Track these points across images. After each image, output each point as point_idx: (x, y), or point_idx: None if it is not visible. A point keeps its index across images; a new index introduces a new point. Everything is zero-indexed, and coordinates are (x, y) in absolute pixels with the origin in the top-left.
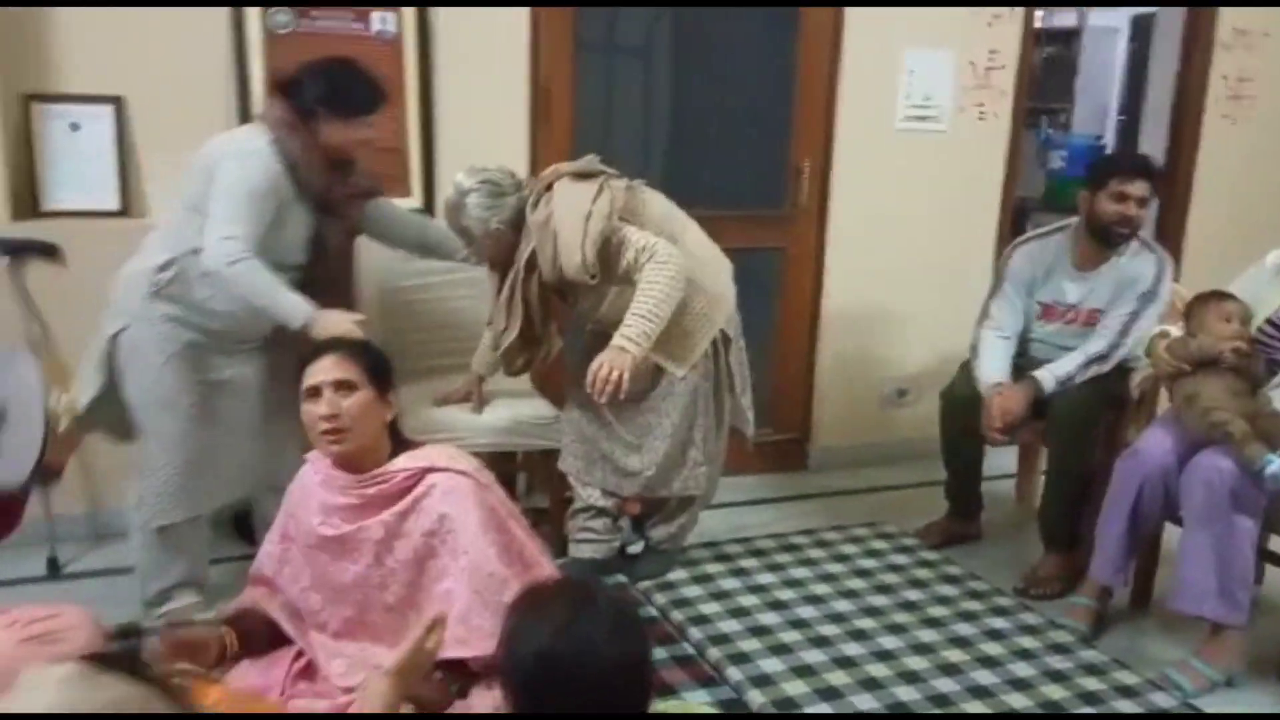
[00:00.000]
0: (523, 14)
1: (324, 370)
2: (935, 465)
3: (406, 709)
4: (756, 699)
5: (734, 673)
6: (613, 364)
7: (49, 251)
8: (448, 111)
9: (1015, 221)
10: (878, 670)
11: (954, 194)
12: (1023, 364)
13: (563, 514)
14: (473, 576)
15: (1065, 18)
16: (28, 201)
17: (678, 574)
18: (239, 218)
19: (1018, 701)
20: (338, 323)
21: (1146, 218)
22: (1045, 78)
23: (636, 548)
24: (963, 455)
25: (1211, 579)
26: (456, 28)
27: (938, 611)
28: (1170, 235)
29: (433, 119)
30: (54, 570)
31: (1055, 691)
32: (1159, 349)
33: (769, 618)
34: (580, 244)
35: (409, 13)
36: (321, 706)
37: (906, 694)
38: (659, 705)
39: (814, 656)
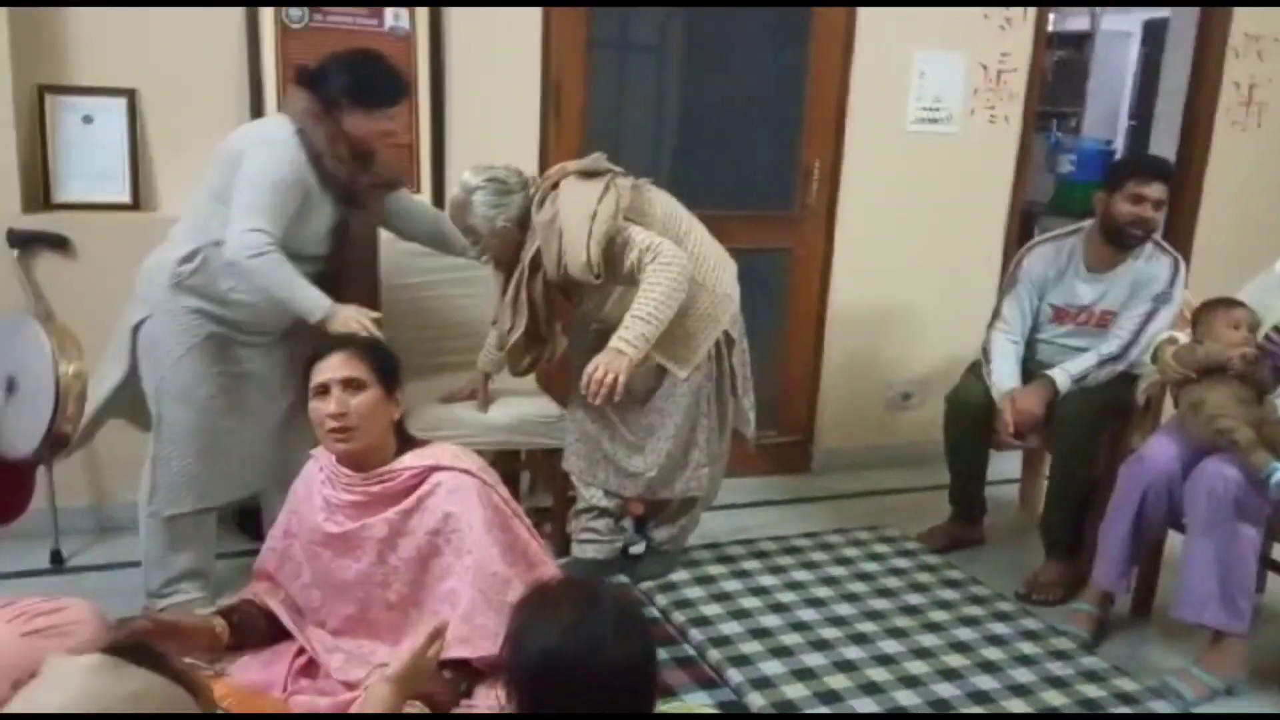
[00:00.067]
0: (535, 12)
1: (332, 368)
2: (939, 469)
3: (414, 708)
4: (757, 701)
5: (734, 675)
6: (608, 366)
7: (59, 243)
8: (459, 108)
9: (1023, 225)
10: (878, 674)
11: (963, 197)
12: (1030, 366)
13: (566, 513)
14: (477, 576)
15: (1078, 21)
16: (39, 193)
17: (679, 575)
18: (263, 209)
19: (1017, 707)
20: (354, 318)
21: (1161, 221)
22: (1056, 81)
23: (639, 548)
24: (967, 459)
25: (1214, 587)
26: (469, 25)
27: (939, 616)
28: (1179, 241)
29: (444, 115)
30: (57, 563)
31: (1055, 698)
32: (1166, 355)
33: (770, 620)
34: (585, 243)
35: (422, 11)
36: (323, 704)
37: (907, 698)
38: (660, 706)
39: (815, 660)
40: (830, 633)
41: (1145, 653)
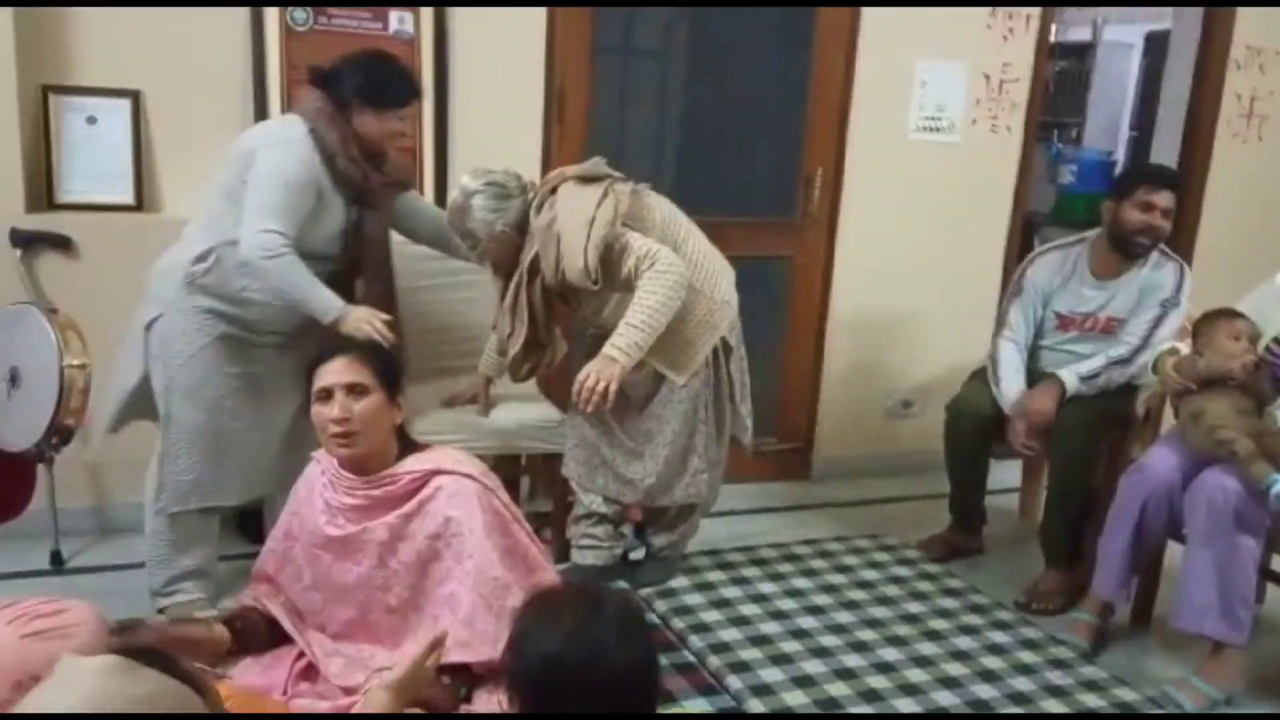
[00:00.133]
0: (539, 16)
1: (335, 372)
2: (939, 478)
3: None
4: (756, 708)
5: (734, 681)
6: (599, 374)
7: (62, 244)
8: (462, 112)
9: (1024, 235)
10: (878, 682)
11: (964, 206)
12: (1033, 371)
13: (565, 518)
14: (477, 580)
15: (1079, 32)
16: (42, 193)
17: (679, 581)
18: (276, 209)
19: None
20: (366, 319)
21: (1169, 229)
22: (1058, 92)
23: (638, 554)
24: (968, 468)
25: (1213, 597)
26: (473, 29)
27: (938, 625)
28: (1179, 252)
29: (447, 119)
30: (57, 564)
31: (1054, 707)
32: (1166, 366)
33: (770, 627)
34: (583, 248)
35: (426, 14)
36: (323, 707)
37: (906, 706)
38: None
39: (814, 667)
40: (830, 640)
41: (1145, 663)
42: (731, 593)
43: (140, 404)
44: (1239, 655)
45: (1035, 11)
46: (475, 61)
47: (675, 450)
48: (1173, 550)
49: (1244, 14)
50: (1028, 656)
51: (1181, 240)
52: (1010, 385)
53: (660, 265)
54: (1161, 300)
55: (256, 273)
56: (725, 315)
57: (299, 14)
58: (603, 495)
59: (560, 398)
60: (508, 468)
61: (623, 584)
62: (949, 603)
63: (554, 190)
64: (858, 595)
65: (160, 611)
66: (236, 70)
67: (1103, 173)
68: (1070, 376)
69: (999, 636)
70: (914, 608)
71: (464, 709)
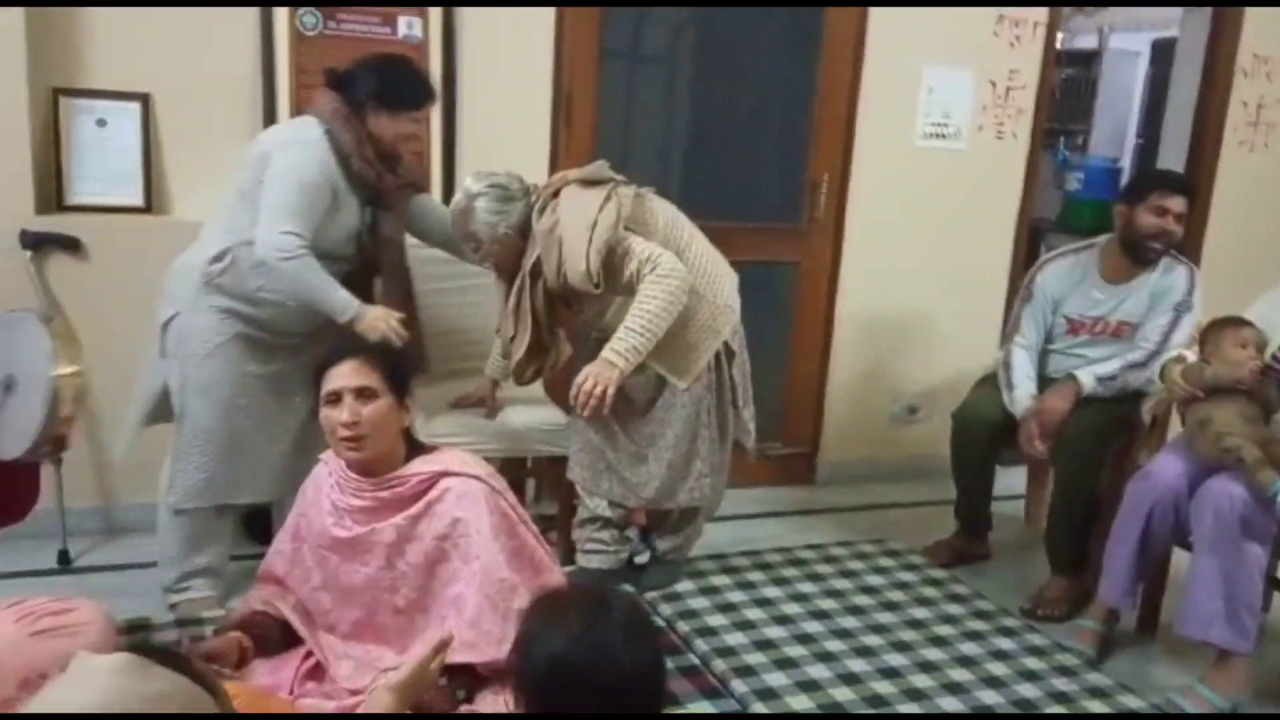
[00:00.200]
0: (548, 20)
1: (344, 376)
2: (944, 483)
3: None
4: (760, 712)
5: (739, 685)
6: (598, 378)
7: (71, 245)
8: (470, 116)
9: (1030, 242)
10: (882, 687)
11: (970, 213)
12: (1042, 375)
13: (571, 522)
14: (484, 581)
15: (1086, 39)
16: (52, 196)
17: (684, 585)
18: (292, 209)
19: None
20: (382, 319)
21: (1181, 234)
22: (1064, 99)
23: (643, 558)
24: (974, 474)
25: (1219, 605)
26: (481, 33)
27: (944, 630)
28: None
29: (455, 123)
30: (65, 563)
31: (1059, 713)
32: (1173, 374)
33: (775, 631)
34: (585, 252)
35: (435, 19)
36: (330, 707)
37: (910, 711)
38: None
39: (819, 672)
40: (835, 645)
41: (1150, 670)
42: (736, 597)
43: (167, 405)
44: (1245, 663)
45: (1042, 19)
46: (483, 65)
47: (678, 454)
48: (1178, 557)
49: (1251, 22)
50: (1033, 663)
51: (1188, 247)
52: (1023, 391)
53: (662, 270)
54: (1175, 304)
55: (272, 273)
56: (728, 320)
57: (308, 19)
58: (608, 499)
59: (564, 401)
60: (514, 470)
61: (628, 588)
62: (954, 608)
63: (556, 193)
64: (863, 600)
65: (172, 608)
66: (246, 74)
67: (1109, 180)
68: (1088, 377)
69: (1004, 643)
70: (919, 613)
71: (466, 709)
